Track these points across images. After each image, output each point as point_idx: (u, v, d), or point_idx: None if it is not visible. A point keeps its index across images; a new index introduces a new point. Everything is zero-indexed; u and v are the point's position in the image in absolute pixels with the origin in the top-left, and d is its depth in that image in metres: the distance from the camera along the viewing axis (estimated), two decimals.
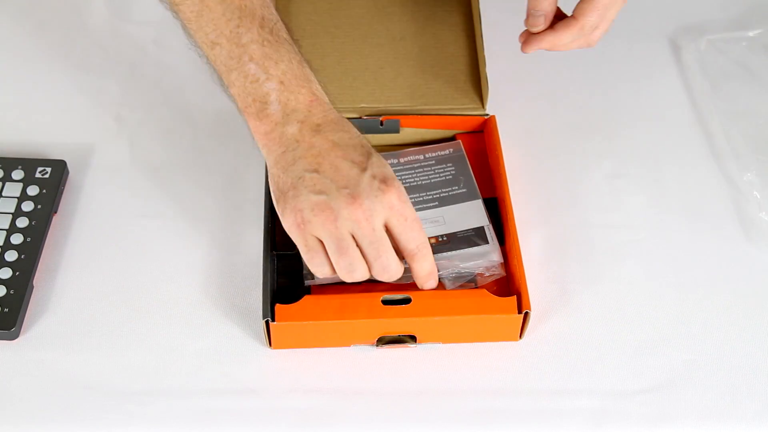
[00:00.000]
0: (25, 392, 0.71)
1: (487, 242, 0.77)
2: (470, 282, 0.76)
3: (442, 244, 0.77)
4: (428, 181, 0.82)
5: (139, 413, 0.71)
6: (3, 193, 0.80)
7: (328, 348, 0.74)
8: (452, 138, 0.86)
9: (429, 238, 0.73)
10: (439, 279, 0.74)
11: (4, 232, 0.78)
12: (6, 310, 0.74)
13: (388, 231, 0.69)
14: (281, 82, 0.70)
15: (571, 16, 0.78)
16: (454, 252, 0.77)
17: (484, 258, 0.76)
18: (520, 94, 0.91)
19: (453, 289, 0.75)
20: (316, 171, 0.68)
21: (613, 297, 0.78)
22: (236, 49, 0.71)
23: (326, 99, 0.72)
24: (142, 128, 0.88)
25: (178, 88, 0.91)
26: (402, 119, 0.84)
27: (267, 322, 0.71)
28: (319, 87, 0.72)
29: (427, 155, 0.84)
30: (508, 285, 0.77)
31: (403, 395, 0.72)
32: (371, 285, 0.73)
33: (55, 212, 0.81)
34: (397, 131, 0.85)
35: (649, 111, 0.91)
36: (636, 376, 0.73)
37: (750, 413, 0.72)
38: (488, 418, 0.71)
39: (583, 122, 0.90)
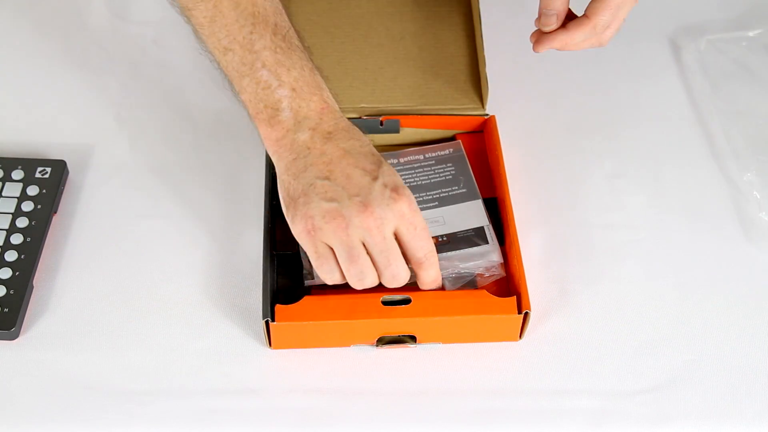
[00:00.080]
0: (25, 392, 0.71)
1: (487, 242, 0.77)
2: (470, 283, 0.76)
3: (442, 244, 0.77)
4: (428, 181, 0.82)
5: (139, 413, 0.71)
6: (3, 193, 0.80)
7: (328, 348, 0.74)
8: (452, 138, 0.86)
9: None
10: None
11: (4, 232, 0.78)
12: (6, 310, 0.74)
13: (396, 239, 0.69)
14: (293, 89, 0.70)
15: (584, 15, 0.78)
16: (454, 252, 0.77)
17: (484, 258, 0.76)
18: (520, 94, 0.91)
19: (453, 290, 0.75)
20: (327, 178, 0.68)
21: (613, 297, 0.78)
22: (249, 56, 0.70)
23: (337, 107, 0.72)
24: (142, 128, 0.88)
25: (178, 88, 0.91)
26: (402, 119, 0.84)
27: (267, 323, 0.71)
28: (330, 95, 0.72)
29: (427, 155, 0.84)
30: (507, 285, 0.77)
31: (403, 395, 0.72)
32: None
33: (55, 212, 0.81)
34: (397, 131, 0.85)
35: (649, 111, 0.91)
36: (636, 377, 0.73)
37: (750, 413, 0.72)
38: (488, 418, 0.71)
39: (583, 122, 0.90)
